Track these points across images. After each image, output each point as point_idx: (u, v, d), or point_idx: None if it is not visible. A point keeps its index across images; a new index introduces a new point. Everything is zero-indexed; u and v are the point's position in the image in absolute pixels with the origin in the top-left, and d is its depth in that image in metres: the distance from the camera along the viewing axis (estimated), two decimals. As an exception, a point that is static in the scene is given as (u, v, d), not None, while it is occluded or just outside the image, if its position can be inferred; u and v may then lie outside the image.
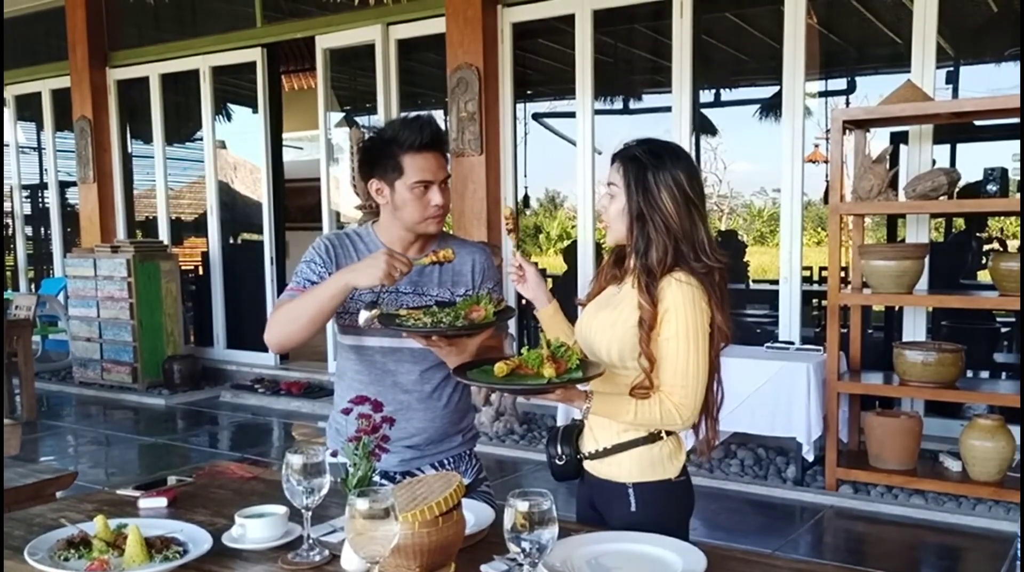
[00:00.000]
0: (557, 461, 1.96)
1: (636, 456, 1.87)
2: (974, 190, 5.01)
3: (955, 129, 5.41)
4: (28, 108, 9.54)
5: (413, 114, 2.09)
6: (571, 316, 2.07)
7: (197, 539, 1.72)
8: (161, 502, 1.98)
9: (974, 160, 6.06)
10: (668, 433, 1.89)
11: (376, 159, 2.06)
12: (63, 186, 9.36)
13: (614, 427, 1.88)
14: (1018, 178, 5.64)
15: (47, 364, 8.42)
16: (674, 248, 1.81)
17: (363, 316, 1.95)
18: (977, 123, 5.43)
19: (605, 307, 1.94)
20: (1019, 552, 3.47)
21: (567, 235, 15.73)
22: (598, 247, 6.21)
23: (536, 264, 2.09)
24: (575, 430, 1.98)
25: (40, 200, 9.93)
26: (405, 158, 2.01)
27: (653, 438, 1.87)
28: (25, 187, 9.86)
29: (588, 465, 1.95)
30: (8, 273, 9.95)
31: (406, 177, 2.02)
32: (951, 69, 5.84)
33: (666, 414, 1.80)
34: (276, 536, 1.74)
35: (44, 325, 8.59)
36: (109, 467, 5.66)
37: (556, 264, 11.14)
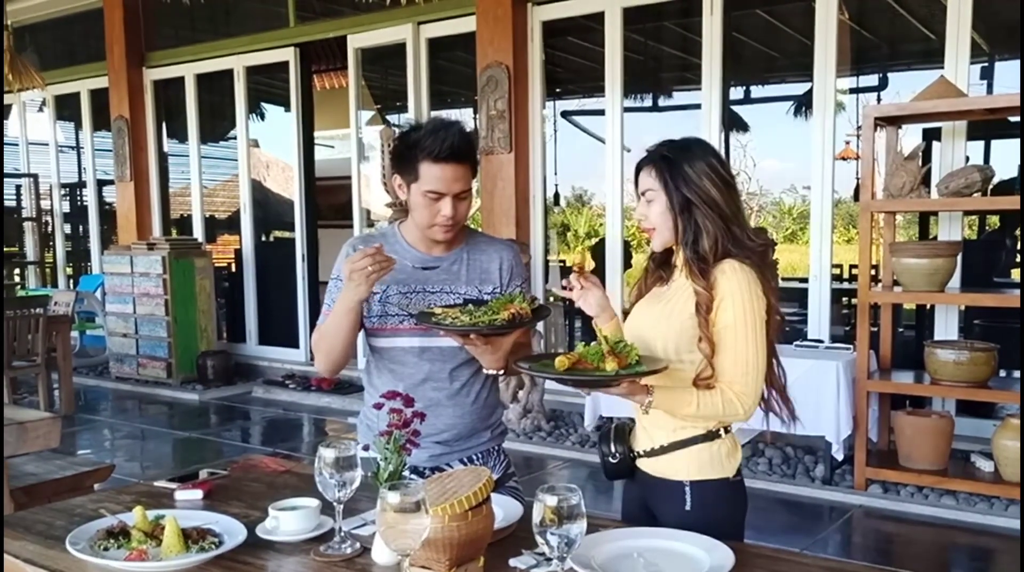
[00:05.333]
0: (611, 460, 1.94)
1: (694, 453, 1.86)
2: (1008, 187, 4.95)
3: (989, 125, 5.34)
4: (67, 108, 9.71)
5: (444, 120, 2.06)
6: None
7: (232, 530, 1.76)
8: (197, 494, 2.02)
9: (1009, 157, 5.98)
10: (726, 431, 1.88)
11: (400, 158, 2.08)
12: (101, 184, 9.50)
13: (670, 424, 1.86)
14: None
15: (85, 359, 8.56)
16: (726, 231, 1.82)
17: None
18: (1012, 119, 5.36)
19: (656, 303, 1.93)
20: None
21: (595, 233, 15.72)
22: (626, 245, 6.21)
23: (602, 288, 2.00)
24: (627, 428, 1.97)
25: (78, 198, 10.10)
26: (422, 165, 2.01)
27: (711, 436, 1.86)
28: (64, 185, 10.03)
29: (642, 463, 1.93)
30: (47, 270, 10.14)
31: (420, 183, 2.03)
32: (986, 65, 5.78)
33: (727, 404, 1.79)
34: (309, 528, 1.78)
35: (82, 321, 8.74)
36: (144, 460, 5.76)
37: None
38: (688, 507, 1.85)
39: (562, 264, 9.82)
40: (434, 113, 6.95)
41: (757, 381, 1.81)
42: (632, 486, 1.99)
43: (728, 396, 1.79)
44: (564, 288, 1.98)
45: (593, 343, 1.79)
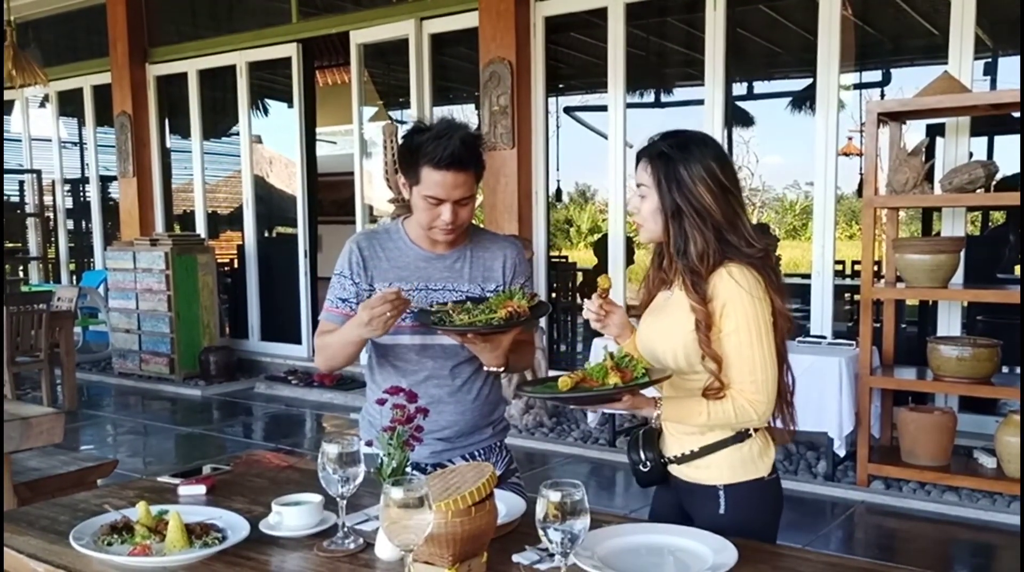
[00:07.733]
0: (641, 468, 1.90)
1: (726, 457, 1.82)
2: (1012, 183, 4.93)
3: (993, 121, 5.32)
4: (70, 104, 9.71)
5: (451, 123, 2.03)
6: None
7: (235, 526, 1.77)
8: (200, 490, 2.03)
9: (1013, 152, 5.95)
10: (756, 430, 1.82)
11: (403, 159, 2.07)
12: (104, 180, 9.52)
13: (699, 429, 1.82)
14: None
15: (88, 355, 8.58)
16: (718, 240, 1.76)
17: None
18: (1016, 115, 5.34)
19: (661, 314, 1.88)
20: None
21: (598, 229, 15.72)
22: (628, 241, 6.21)
23: (622, 308, 2.00)
24: (655, 433, 1.92)
25: (81, 194, 10.11)
26: (423, 170, 2.00)
27: (741, 437, 1.81)
28: (67, 181, 10.04)
29: (674, 469, 1.89)
30: (50, 265, 10.16)
31: (421, 187, 2.02)
32: (989, 60, 5.75)
33: (740, 411, 1.75)
34: (312, 524, 1.78)
35: (85, 317, 8.75)
36: (147, 456, 5.77)
37: (587, 257, 11.15)
38: (722, 510, 1.81)
39: (563, 260, 9.82)
40: (437, 109, 6.94)
41: (768, 385, 1.75)
42: (665, 492, 1.96)
43: (740, 403, 1.75)
44: (585, 310, 1.97)
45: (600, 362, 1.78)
